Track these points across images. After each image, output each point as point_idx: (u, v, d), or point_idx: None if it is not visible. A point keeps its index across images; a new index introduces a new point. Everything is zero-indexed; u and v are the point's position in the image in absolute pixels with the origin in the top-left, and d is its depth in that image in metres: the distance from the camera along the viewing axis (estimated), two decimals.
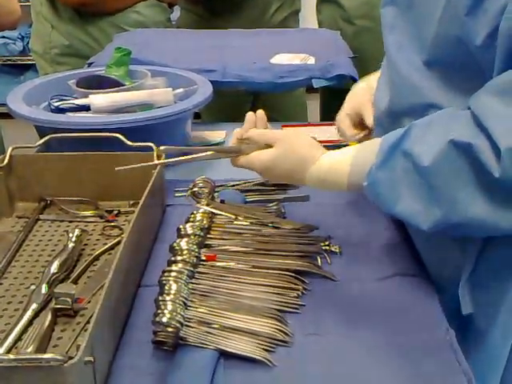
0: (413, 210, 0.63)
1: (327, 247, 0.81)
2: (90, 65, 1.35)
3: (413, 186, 0.62)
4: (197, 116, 1.47)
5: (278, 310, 0.68)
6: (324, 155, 0.72)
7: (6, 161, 0.88)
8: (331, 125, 1.30)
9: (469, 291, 0.69)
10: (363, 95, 0.90)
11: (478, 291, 0.69)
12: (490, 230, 0.61)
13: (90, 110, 1.05)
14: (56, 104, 1.05)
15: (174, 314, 0.63)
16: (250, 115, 0.81)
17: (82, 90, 1.09)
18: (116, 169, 0.78)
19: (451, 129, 0.60)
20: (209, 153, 0.81)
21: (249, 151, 0.76)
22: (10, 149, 0.90)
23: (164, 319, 0.62)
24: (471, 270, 0.69)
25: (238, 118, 1.88)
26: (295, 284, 0.73)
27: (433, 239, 0.75)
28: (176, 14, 1.96)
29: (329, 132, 1.26)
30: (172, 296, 0.66)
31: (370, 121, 0.87)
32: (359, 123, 0.90)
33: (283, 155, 0.73)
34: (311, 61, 1.41)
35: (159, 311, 0.64)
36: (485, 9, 0.58)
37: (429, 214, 0.62)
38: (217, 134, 1.25)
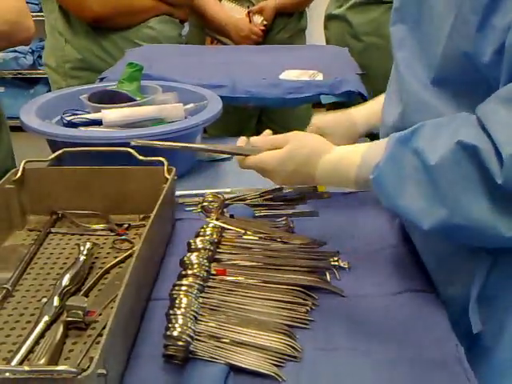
0: (416, 207, 0.63)
1: (336, 262, 0.81)
2: (101, 80, 1.37)
3: (418, 183, 0.62)
4: (202, 129, 1.48)
5: (288, 325, 0.69)
6: (336, 147, 0.74)
7: (19, 174, 0.89)
8: None
9: (477, 312, 0.69)
10: (344, 124, 0.95)
11: (484, 308, 0.69)
12: (489, 235, 0.61)
13: (102, 124, 1.06)
14: (68, 118, 1.07)
15: (185, 327, 0.64)
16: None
17: (95, 104, 1.10)
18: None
19: (460, 130, 0.61)
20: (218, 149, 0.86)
21: (257, 153, 0.78)
22: (22, 162, 0.91)
23: (175, 333, 0.63)
24: (480, 287, 0.69)
25: (244, 132, 1.91)
26: (304, 299, 0.74)
27: (441, 256, 0.76)
28: (185, 29, 2.00)
29: None
30: (183, 310, 0.66)
31: None
32: None
33: (294, 150, 0.75)
34: (319, 77, 1.43)
35: (170, 325, 0.64)
36: (493, 25, 0.59)
37: (431, 212, 0.62)
38: None
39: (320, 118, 0.98)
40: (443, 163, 0.60)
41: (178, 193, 0.97)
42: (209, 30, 1.95)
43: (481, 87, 0.63)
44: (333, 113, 1.02)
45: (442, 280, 0.77)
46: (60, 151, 0.93)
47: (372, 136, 1.36)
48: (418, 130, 0.65)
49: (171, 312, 0.66)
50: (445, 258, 0.75)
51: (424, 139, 0.63)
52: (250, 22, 1.88)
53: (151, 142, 0.87)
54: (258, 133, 2.09)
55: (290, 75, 1.43)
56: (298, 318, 0.70)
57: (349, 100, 1.34)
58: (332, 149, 0.75)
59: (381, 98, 0.99)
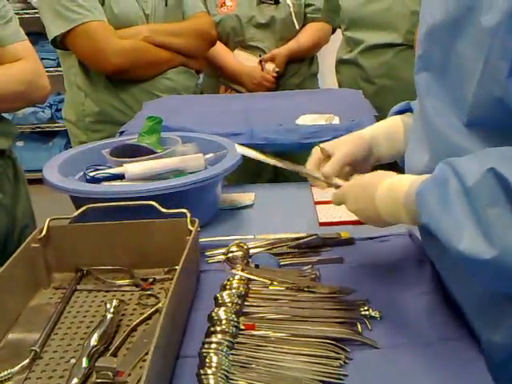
0: (453, 225, 0.62)
1: (366, 312, 0.79)
2: (121, 133, 1.39)
3: (459, 204, 0.61)
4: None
5: (321, 381, 0.67)
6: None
7: (44, 233, 0.90)
8: None
9: None
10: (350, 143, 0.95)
11: None
12: None
13: (124, 178, 1.07)
14: (91, 174, 1.08)
15: None
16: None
17: (117, 159, 1.12)
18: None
19: (495, 158, 0.60)
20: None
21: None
22: (47, 220, 0.91)
23: None
24: None
25: (262, 176, 1.93)
26: (337, 353, 0.72)
27: (483, 300, 0.73)
28: (200, 79, 2.04)
29: None
30: (213, 369, 0.65)
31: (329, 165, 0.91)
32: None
33: (364, 177, 0.81)
34: (336, 120, 1.43)
35: None
36: None
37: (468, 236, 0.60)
38: (246, 197, 1.26)
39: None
40: (477, 186, 0.60)
41: (200, 241, 0.97)
42: (223, 79, 1.99)
43: None
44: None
45: (484, 326, 0.73)
46: (84, 208, 0.94)
47: None
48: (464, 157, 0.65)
49: (202, 372, 0.65)
50: (487, 303, 0.72)
51: (464, 160, 0.64)
52: (262, 69, 1.91)
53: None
54: (275, 177, 2.10)
55: (307, 120, 1.44)
56: (331, 373, 0.68)
57: None
58: (395, 174, 0.77)
59: (388, 122, 0.98)
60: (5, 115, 1.31)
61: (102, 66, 1.63)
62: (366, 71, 1.79)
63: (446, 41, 0.69)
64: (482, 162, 0.61)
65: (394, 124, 0.97)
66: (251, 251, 0.97)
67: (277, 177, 1.97)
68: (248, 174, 1.80)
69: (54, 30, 1.61)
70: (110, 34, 1.60)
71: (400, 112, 0.98)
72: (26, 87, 1.24)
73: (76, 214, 0.93)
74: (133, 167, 1.06)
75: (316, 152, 0.95)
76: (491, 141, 0.66)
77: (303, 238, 1.01)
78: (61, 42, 1.64)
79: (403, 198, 0.71)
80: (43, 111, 3.44)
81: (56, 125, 3.48)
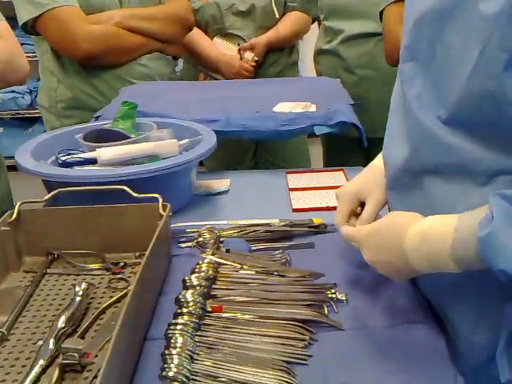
0: None
1: (333, 295, 0.81)
2: (97, 118, 1.38)
3: None
4: (199, 163, 1.49)
5: (286, 362, 0.68)
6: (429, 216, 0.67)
7: (14, 216, 0.89)
8: (335, 171, 1.33)
9: (507, 357, 0.65)
10: (373, 177, 0.86)
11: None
12: None
13: (97, 163, 1.07)
14: (63, 158, 1.07)
15: (181, 367, 0.63)
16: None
17: (89, 143, 1.11)
18: None
19: None
20: None
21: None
22: (18, 204, 0.91)
23: (170, 373, 0.62)
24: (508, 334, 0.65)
25: (241, 164, 1.92)
26: (302, 334, 0.73)
27: (468, 305, 0.71)
28: (179, 65, 2.03)
29: (333, 178, 1.28)
30: (178, 349, 0.66)
31: (367, 214, 0.83)
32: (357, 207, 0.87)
33: (382, 223, 0.73)
34: (313, 108, 1.44)
35: (165, 365, 0.64)
36: None
37: None
38: (222, 183, 1.27)
39: (349, 186, 0.89)
40: None
41: (173, 226, 0.97)
42: (201, 67, 1.98)
43: (503, 128, 0.60)
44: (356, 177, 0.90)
45: (466, 327, 0.72)
46: (54, 191, 0.94)
47: None
48: None
49: (167, 352, 0.66)
50: (471, 307, 0.71)
51: None
52: (241, 58, 1.90)
53: None
54: (255, 164, 2.09)
55: (284, 107, 1.45)
56: (296, 354, 0.69)
57: (341, 131, 1.35)
58: (422, 218, 0.68)
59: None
60: None
61: (72, 51, 1.60)
62: (346, 61, 1.79)
63: (433, 30, 0.66)
64: None
65: None
66: (223, 236, 0.98)
67: (256, 164, 1.98)
68: (227, 160, 1.80)
69: (24, 14, 1.58)
70: (80, 19, 1.57)
71: None
72: (1, 67, 1.22)
73: (46, 197, 0.93)
74: (105, 152, 1.06)
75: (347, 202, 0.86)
76: (475, 139, 0.64)
77: (276, 223, 1.02)
78: (32, 27, 1.61)
79: (449, 248, 0.62)
80: (23, 97, 3.40)
81: (36, 111, 3.43)
